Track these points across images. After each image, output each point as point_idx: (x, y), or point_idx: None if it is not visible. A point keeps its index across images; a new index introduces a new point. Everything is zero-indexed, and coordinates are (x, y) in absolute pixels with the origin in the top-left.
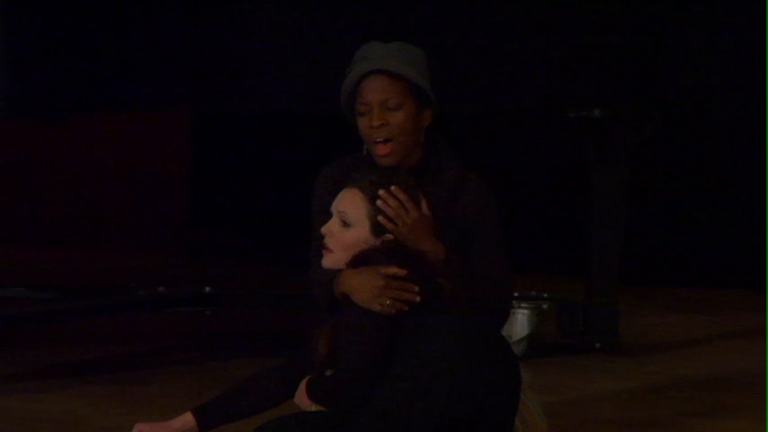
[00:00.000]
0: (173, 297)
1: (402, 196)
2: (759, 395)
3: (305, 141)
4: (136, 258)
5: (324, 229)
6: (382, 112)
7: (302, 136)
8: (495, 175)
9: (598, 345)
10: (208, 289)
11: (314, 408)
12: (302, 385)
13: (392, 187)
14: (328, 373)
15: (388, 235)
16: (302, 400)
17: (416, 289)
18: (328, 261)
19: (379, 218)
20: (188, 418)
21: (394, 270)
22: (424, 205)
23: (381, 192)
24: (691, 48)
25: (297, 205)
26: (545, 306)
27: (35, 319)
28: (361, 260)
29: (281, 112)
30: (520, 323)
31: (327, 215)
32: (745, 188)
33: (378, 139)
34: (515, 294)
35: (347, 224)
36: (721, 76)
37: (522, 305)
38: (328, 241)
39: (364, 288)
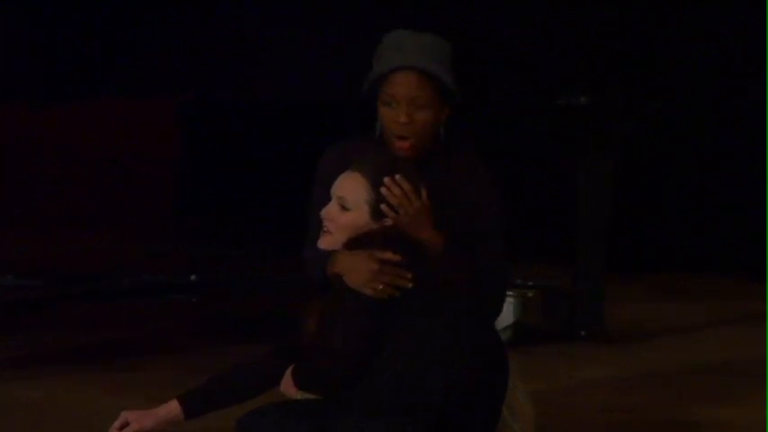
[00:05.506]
0: (159, 284)
1: (406, 186)
2: (753, 383)
3: (294, 129)
4: (122, 246)
5: (323, 213)
6: (410, 109)
7: (292, 124)
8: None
9: (583, 333)
10: (194, 276)
11: (300, 395)
12: (288, 373)
13: (396, 176)
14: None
15: (386, 220)
16: (288, 387)
17: (410, 276)
18: (325, 242)
19: (382, 206)
20: (173, 406)
21: (389, 255)
22: (424, 195)
23: (386, 180)
24: (685, 36)
25: (284, 193)
26: (530, 294)
27: (20, 307)
28: (357, 243)
29: (271, 100)
30: (505, 311)
31: (327, 196)
32: (744, 174)
33: (401, 134)
34: None
35: (346, 208)
36: (717, 63)
37: (508, 293)
38: (326, 224)
39: (358, 270)
